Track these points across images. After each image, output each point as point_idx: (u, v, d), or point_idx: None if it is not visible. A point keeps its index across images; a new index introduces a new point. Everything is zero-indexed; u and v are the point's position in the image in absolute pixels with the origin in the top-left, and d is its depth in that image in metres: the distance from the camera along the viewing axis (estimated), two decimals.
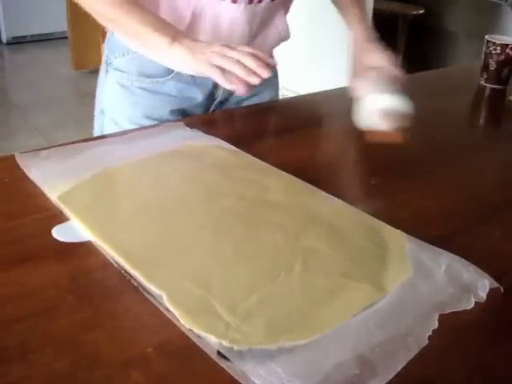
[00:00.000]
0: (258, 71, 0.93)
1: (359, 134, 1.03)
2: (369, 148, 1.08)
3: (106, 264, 0.70)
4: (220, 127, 1.16)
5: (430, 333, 0.62)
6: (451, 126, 1.24)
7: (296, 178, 0.92)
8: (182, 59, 0.99)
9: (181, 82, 1.19)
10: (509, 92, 1.41)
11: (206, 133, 1.06)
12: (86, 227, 0.75)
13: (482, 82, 1.50)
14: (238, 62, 0.93)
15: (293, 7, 1.28)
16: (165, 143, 1.01)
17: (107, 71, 1.24)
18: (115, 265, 0.69)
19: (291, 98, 1.53)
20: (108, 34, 1.23)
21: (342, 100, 1.40)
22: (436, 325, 0.63)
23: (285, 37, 1.26)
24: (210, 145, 1.02)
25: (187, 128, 1.08)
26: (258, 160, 0.97)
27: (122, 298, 0.66)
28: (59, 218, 0.78)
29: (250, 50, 0.95)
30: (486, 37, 1.47)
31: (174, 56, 1.00)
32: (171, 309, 0.62)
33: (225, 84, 0.94)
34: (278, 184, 0.91)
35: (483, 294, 0.68)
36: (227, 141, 1.03)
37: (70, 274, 0.69)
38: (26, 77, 4.46)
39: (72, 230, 0.75)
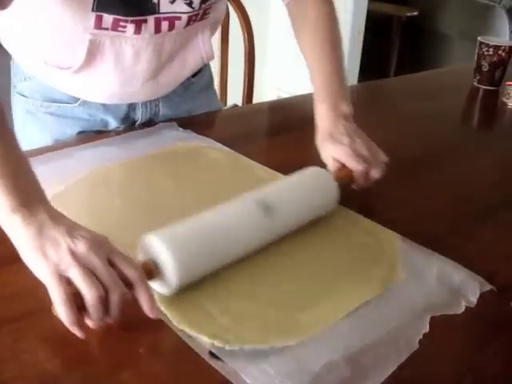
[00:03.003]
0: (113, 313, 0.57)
1: None
2: None
3: None
4: (213, 128, 1.16)
5: (421, 337, 0.62)
6: (444, 127, 1.24)
7: (284, 176, 0.92)
8: (20, 240, 0.59)
9: (90, 109, 1.07)
10: (501, 93, 1.41)
11: (199, 133, 1.06)
12: None
13: (475, 83, 1.50)
14: (102, 288, 0.55)
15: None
16: (157, 144, 1.01)
17: (14, 95, 1.11)
18: None
19: (285, 98, 1.54)
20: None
21: None
22: (427, 328, 0.63)
23: (208, 58, 1.08)
24: (202, 145, 1.02)
25: (180, 129, 1.08)
26: (250, 160, 0.97)
27: None
28: None
29: (135, 270, 0.58)
30: (479, 38, 1.48)
31: (10, 229, 0.61)
32: (163, 309, 0.62)
33: (63, 320, 0.55)
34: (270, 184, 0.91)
35: (474, 300, 0.68)
36: (220, 142, 1.03)
37: None
38: None
39: None
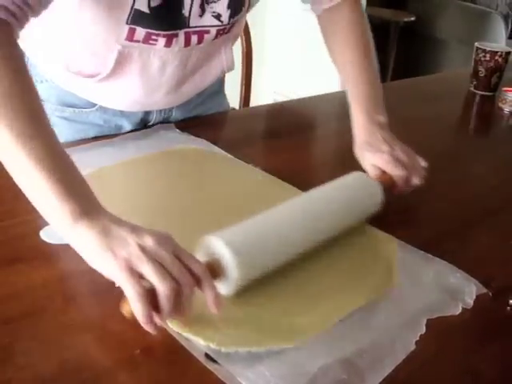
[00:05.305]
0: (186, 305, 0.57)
1: (349, 138, 1.03)
2: None
3: None
4: (210, 130, 1.16)
5: (418, 338, 0.62)
6: (441, 132, 1.25)
7: (281, 181, 0.92)
8: (87, 245, 0.60)
9: (107, 114, 1.07)
10: (498, 98, 1.42)
11: (197, 136, 1.06)
12: None
13: (472, 89, 1.51)
14: (175, 282, 0.56)
15: (285, 13, 1.26)
16: (155, 146, 1.01)
17: None
18: None
19: (283, 102, 1.54)
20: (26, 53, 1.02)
21: (332, 104, 1.41)
22: (423, 330, 0.63)
23: (229, 68, 1.09)
24: (199, 148, 1.02)
25: (177, 131, 1.08)
26: (245, 164, 0.97)
27: (110, 301, 0.65)
28: None
29: (201, 266, 0.59)
30: (476, 44, 1.48)
31: (74, 237, 0.61)
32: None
33: (139, 317, 0.55)
34: (262, 187, 0.91)
35: (470, 301, 0.68)
36: (217, 144, 1.03)
37: (58, 276, 0.69)
38: None
39: None
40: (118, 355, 0.58)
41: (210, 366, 0.56)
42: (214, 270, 0.62)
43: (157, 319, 0.56)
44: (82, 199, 0.61)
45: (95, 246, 0.58)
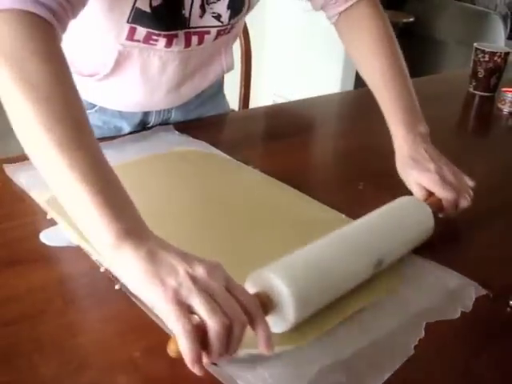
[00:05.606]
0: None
1: (348, 140, 1.03)
2: (357, 153, 1.09)
3: (94, 268, 0.69)
4: (209, 132, 1.16)
5: (417, 342, 0.62)
6: (440, 133, 1.24)
7: (280, 183, 0.92)
8: (131, 270, 0.54)
9: (106, 115, 1.07)
10: (497, 99, 1.42)
11: (196, 138, 1.06)
12: (74, 231, 0.75)
13: (471, 90, 1.51)
14: (227, 318, 0.51)
15: (284, 14, 1.26)
16: (154, 148, 1.01)
17: None
18: (102, 269, 0.69)
19: (282, 103, 1.54)
20: None
21: (331, 106, 1.41)
22: (423, 334, 0.63)
23: (229, 68, 1.11)
24: (198, 150, 1.02)
25: (176, 132, 1.08)
26: (245, 165, 0.97)
27: (110, 303, 0.65)
28: (47, 222, 0.78)
29: (254, 302, 0.55)
30: (475, 45, 1.49)
31: (117, 259, 0.55)
32: (158, 313, 0.62)
33: (185, 356, 0.50)
34: (261, 189, 0.91)
35: (469, 304, 0.68)
36: (217, 146, 1.03)
37: (57, 278, 0.69)
38: None
39: (60, 235, 0.75)
40: (117, 357, 0.58)
41: (210, 367, 0.56)
42: (265, 304, 0.57)
43: (205, 359, 0.51)
44: (128, 218, 0.57)
45: (140, 271, 0.53)
